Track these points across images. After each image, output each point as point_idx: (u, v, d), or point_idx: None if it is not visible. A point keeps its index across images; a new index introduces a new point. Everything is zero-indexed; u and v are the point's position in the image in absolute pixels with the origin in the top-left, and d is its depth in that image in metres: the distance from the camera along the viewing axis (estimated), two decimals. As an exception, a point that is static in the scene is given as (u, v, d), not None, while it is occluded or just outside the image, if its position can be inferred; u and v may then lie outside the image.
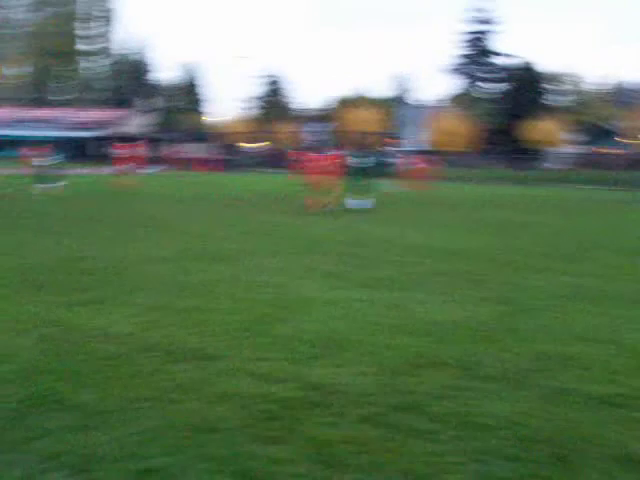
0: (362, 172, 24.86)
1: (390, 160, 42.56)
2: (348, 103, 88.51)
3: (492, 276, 11.69)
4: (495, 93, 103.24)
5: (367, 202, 24.57)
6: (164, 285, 10.11)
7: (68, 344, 6.95)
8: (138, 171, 36.75)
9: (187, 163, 72.44)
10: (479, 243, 16.24)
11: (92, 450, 4.61)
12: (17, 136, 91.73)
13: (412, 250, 14.59)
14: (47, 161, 30.96)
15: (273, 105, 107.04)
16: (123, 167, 34.94)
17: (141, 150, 38.33)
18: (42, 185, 29.36)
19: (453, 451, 4.81)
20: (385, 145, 74.41)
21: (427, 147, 78.90)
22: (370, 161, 25.81)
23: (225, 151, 79.14)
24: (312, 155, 26.24)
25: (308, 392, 5.82)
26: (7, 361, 6.35)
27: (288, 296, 9.56)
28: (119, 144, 36.57)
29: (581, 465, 4.67)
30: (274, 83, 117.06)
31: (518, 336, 7.73)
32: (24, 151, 45.55)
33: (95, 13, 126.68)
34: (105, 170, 50.96)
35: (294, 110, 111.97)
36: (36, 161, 31.09)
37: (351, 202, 24.58)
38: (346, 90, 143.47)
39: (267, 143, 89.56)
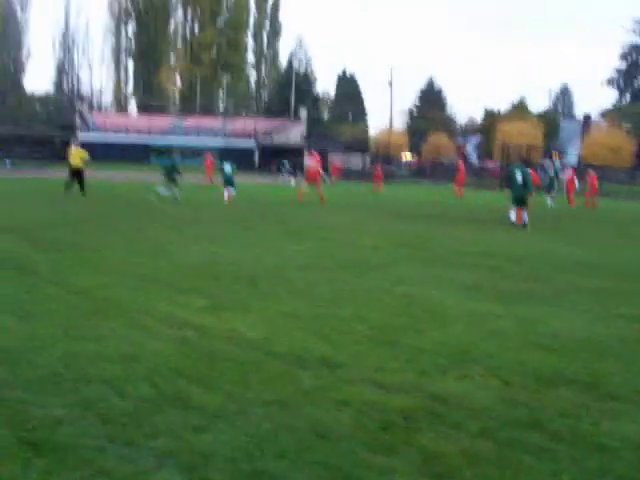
0: (519, 184, 24.29)
1: (550, 174, 41.30)
2: (506, 116, 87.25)
3: (636, 293, 11.32)
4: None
5: (510, 216, 24.12)
6: (297, 292, 10.25)
7: (199, 346, 7.14)
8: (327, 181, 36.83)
9: (347, 173, 73.03)
10: (628, 259, 15.74)
11: (206, 450, 4.73)
12: (180, 144, 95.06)
13: (557, 264, 14.27)
14: (228, 167, 31.83)
15: (429, 116, 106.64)
16: (317, 177, 34.84)
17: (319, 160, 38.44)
18: (230, 189, 30.47)
19: (570, 471, 4.68)
20: (548, 158, 72.80)
21: (584, 161, 76.98)
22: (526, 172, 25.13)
23: (382, 162, 79.41)
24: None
25: (428, 403, 5.79)
26: (139, 360, 6.59)
27: (421, 307, 9.53)
28: (314, 153, 36.65)
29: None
30: (431, 94, 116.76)
31: (653, 356, 7.47)
32: (208, 158, 47.64)
33: (263, 24, 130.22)
34: (282, 179, 52.18)
35: (450, 122, 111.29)
36: (225, 167, 31.98)
37: (510, 214, 24.24)
38: (505, 103, 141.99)
39: (418, 155, 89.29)
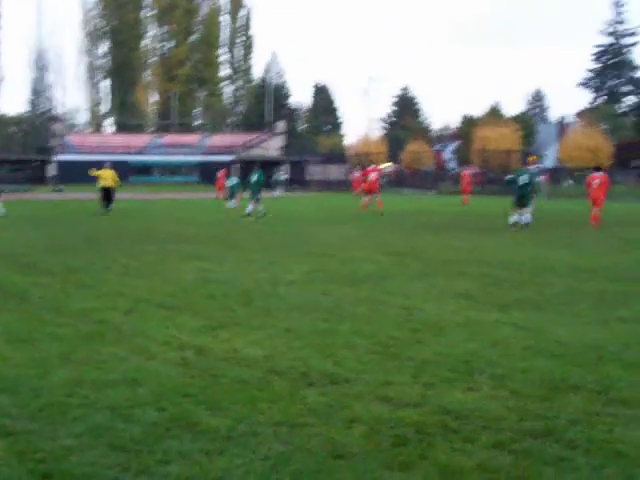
0: (521, 189, 24.79)
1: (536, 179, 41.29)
2: (483, 120, 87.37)
3: (632, 295, 11.32)
4: (631, 107, 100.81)
5: (526, 217, 24.55)
6: (293, 307, 10.19)
7: (201, 367, 7.07)
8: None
9: (326, 184, 73.40)
10: (619, 261, 15.77)
11: (223, 475, 4.66)
12: (159, 161, 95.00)
13: (550, 269, 14.30)
14: (233, 181, 32.73)
15: (405, 124, 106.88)
16: (377, 188, 35.70)
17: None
18: (232, 201, 32.56)
19: (590, 480, 4.65)
20: (526, 163, 73.02)
21: (560, 164, 77.37)
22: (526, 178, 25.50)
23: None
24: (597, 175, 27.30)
25: (439, 417, 5.73)
26: (142, 384, 6.50)
27: (420, 318, 9.48)
28: (376, 167, 37.58)
29: None
30: (406, 102, 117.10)
31: (658, 359, 7.44)
32: (220, 174, 48.74)
33: (236, 39, 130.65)
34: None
35: (426, 129, 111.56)
36: (230, 181, 33.10)
37: (512, 218, 24.64)
38: (480, 107, 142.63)
39: (391, 164, 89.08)
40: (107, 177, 32.63)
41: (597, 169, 28.44)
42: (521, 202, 24.49)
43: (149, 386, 6.46)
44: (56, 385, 6.49)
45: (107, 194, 32.43)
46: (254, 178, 31.74)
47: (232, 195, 37.99)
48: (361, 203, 34.35)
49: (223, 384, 6.55)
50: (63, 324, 9.07)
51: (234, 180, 39.11)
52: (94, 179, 33.07)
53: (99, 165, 34.11)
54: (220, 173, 50.42)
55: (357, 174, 48.01)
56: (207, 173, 53.17)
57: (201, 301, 10.65)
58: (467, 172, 50.36)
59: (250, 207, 30.97)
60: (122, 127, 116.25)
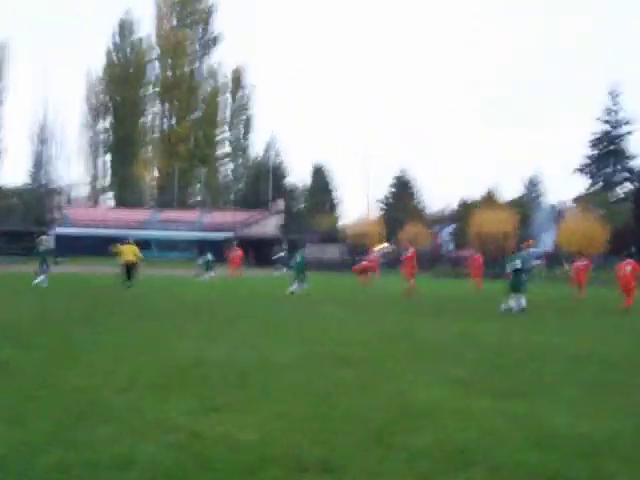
0: (515, 274, 24.86)
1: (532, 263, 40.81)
2: (480, 204, 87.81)
3: (627, 385, 11.26)
4: (627, 194, 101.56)
5: (521, 302, 24.49)
6: (286, 392, 10.09)
7: (194, 452, 7.00)
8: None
9: (323, 264, 73.56)
10: (614, 349, 15.70)
11: None
12: (157, 237, 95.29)
13: (544, 356, 14.23)
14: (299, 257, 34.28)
15: (402, 206, 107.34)
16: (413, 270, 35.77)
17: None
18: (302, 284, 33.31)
19: None
20: (523, 247, 73.06)
21: (557, 249, 77.58)
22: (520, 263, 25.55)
23: (357, 252, 79.56)
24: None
25: (432, 509, 5.68)
26: (134, 467, 6.44)
27: (413, 404, 9.42)
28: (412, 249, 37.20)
29: None
30: (402, 183, 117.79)
31: (658, 454, 7.38)
32: (233, 252, 50.20)
33: (236, 118, 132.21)
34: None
35: (423, 211, 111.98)
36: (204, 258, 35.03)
37: (504, 305, 24.60)
38: (478, 190, 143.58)
39: (394, 245, 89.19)
40: (128, 252, 33.59)
41: (629, 255, 28.60)
42: (515, 287, 24.52)
43: (140, 470, 6.40)
44: (46, 467, 6.42)
45: (129, 269, 33.37)
46: (298, 259, 33.72)
47: (209, 268, 44.51)
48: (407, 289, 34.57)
49: (216, 470, 6.49)
50: (56, 402, 9.01)
51: (209, 256, 42.49)
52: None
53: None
54: (236, 251, 51.78)
55: (375, 255, 47.85)
56: (205, 250, 53.79)
57: (195, 382, 10.57)
58: (478, 255, 46.73)
59: (295, 286, 32.57)
60: (121, 202, 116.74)
